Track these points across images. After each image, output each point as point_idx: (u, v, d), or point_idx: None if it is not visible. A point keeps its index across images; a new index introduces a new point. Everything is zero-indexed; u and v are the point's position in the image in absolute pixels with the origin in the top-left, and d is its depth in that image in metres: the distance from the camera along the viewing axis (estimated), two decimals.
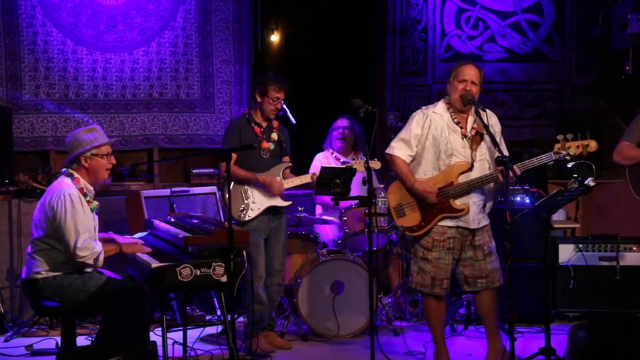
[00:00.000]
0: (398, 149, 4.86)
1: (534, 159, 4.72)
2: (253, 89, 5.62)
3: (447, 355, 4.92)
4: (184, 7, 6.83)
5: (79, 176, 4.57)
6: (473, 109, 4.78)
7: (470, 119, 4.82)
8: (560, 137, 4.71)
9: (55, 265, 4.48)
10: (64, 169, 4.62)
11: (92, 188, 4.63)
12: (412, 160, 4.85)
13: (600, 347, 4.36)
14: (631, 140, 5.36)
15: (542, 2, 7.33)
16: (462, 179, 4.74)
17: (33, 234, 4.57)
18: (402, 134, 4.88)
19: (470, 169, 4.75)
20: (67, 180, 4.55)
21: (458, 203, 4.74)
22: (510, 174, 4.57)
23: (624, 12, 6.71)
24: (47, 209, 4.46)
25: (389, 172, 6.46)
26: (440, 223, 4.76)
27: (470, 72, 4.78)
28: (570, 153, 4.68)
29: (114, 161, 4.70)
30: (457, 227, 4.77)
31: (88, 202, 4.55)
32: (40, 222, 4.52)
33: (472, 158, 4.77)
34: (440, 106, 4.85)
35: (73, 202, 4.41)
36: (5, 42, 6.36)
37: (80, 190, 4.52)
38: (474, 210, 4.78)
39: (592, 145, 4.69)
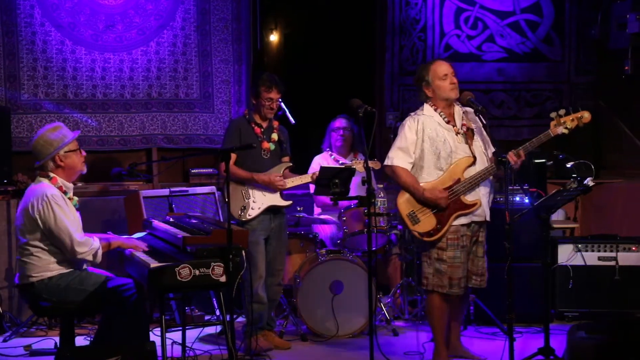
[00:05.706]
0: (397, 159, 4.80)
1: (534, 139, 4.73)
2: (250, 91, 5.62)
3: (446, 356, 4.91)
4: (182, 7, 6.82)
5: (55, 175, 4.54)
6: (455, 104, 4.83)
7: (457, 115, 4.84)
8: (553, 114, 4.76)
9: (48, 266, 4.46)
10: (38, 173, 4.57)
11: (70, 185, 4.62)
12: (412, 167, 4.82)
13: (599, 347, 4.37)
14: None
15: (541, 1, 7.31)
16: (468, 174, 4.74)
17: (20, 239, 4.53)
18: (398, 143, 4.83)
19: (474, 163, 4.76)
20: (45, 181, 4.52)
21: (469, 199, 4.75)
22: (516, 158, 4.63)
23: (623, 12, 6.69)
24: (30, 213, 4.42)
25: None
26: (455, 222, 4.75)
27: (445, 67, 4.81)
28: (567, 126, 4.72)
29: (84, 153, 4.68)
30: (470, 223, 4.78)
31: (69, 199, 4.55)
32: (25, 227, 4.48)
33: (472, 152, 4.77)
34: (427, 109, 4.86)
35: (58, 202, 4.40)
36: (3, 41, 6.35)
37: (60, 188, 4.50)
38: (485, 203, 4.81)
39: (586, 116, 4.75)
